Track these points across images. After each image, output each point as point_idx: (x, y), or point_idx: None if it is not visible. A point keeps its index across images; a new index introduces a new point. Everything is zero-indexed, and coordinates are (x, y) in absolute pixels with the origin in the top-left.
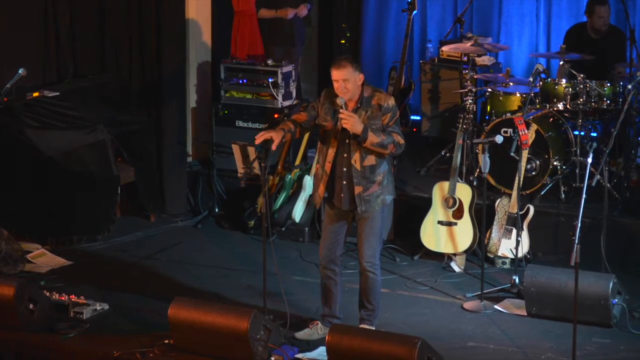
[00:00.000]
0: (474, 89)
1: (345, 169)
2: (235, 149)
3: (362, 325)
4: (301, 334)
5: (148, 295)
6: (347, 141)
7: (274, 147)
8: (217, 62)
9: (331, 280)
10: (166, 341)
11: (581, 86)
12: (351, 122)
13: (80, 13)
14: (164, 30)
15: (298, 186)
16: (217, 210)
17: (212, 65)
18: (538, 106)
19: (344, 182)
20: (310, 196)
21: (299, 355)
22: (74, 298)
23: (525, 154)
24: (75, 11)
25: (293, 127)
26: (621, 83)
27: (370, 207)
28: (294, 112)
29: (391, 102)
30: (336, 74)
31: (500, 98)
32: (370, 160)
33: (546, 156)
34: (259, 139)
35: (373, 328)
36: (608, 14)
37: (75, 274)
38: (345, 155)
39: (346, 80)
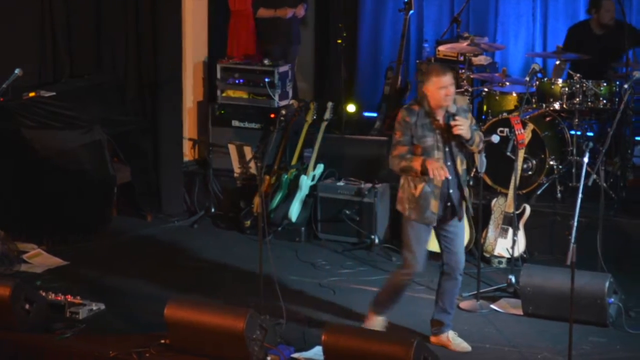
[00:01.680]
0: (470, 89)
1: (451, 177)
2: (232, 148)
3: (445, 333)
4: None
5: (144, 295)
6: (448, 150)
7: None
8: (214, 62)
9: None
10: (162, 341)
11: (577, 86)
12: (466, 127)
13: (77, 13)
14: (160, 30)
15: (294, 186)
16: (213, 210)
17: (209, 65)
18: (534, 106)
19: (451, 191)
20: (307, 196)
21: (295, 355)
22: (70, 298)
23: (521, 154)
24: (71, 11)
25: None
26: (617, 82)
27: (461, 209)
28: (394, 150)
29: (466, 101)
30: (445, 80)
31: (497, 98)
32: (464, 164)
33: (542, 156)
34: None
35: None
36: (614, 7)
37: (71, 274)
38: (449, 163)
39: (452, 84)
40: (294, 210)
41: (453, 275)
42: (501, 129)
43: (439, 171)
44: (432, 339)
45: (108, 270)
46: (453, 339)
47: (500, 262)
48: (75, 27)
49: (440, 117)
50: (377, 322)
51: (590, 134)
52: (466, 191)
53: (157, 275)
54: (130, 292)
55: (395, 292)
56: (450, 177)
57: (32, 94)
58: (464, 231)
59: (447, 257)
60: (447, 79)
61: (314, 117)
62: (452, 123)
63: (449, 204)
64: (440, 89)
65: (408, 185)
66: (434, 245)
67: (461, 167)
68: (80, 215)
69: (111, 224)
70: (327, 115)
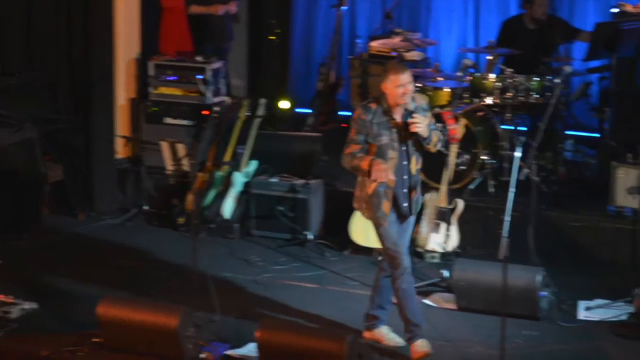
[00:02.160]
0: None
1: (405, 177)
2: (164, 146)
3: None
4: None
5: (77, 294)
6: (405, 149)
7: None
8: (146, 59)
9: (412, 284)
10: (95, 340)
11: (509, 80)
12: (424, 125)
13: (7, 10)
14: (92, 27)
15: (227, 183)
16: (146, 207)
17: (141, 62)
18: (467, 101)
19: (404, 190)
20: (241, 193)
21: (229, 352)
22: (2, 297)
23: (454, 149)
24: (1, 8)
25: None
26: (549, 77)
27: (416, 210)
28: (346, 148)
29: (426, 100)
30: (402, 78)
31: (430, 93)
32: (419, 163)
33: (475, 150)
34: (389, 177)
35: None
36: (547, 2)
37: (3, 273)
38: (405, 163)
39: (410, 82)
40: (227, 207)
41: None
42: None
43: (381, 174)
44: (366, 333)
45: (40, 270)
46: (387, 334)
47: (433, 257)
48: (5, 24)
49: (398, 115)
50: (423, 345)
51: (522, 128)
52: (416, 192)
53: (89, 274)
54: (63, 291)
55: (404, 299)
56: (394, 179)
57: None
58: (409, 230)
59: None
60: (405, 77)
61: (247, 113)
62: (410, 121)
63: (405, 204)
64: (398, 87)
65: (363, 183)
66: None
67: (416, 167)
68: (11, 214)
69: (43, 223)
70: (260, 111)
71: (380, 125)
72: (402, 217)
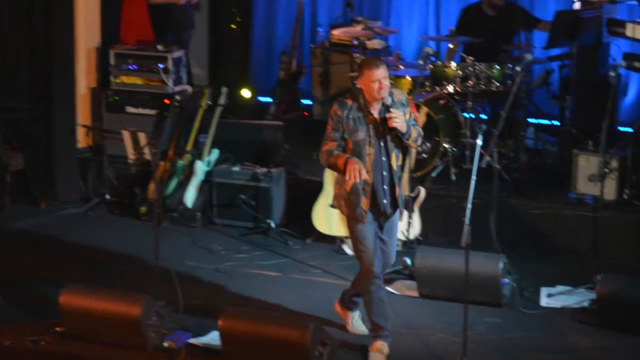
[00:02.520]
0: None
1: (385, 173)
2: (126, 135)
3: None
4: None
5: (39, 283)
6: (383, 144)
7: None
8: (107, 48)
9: (382, 290)
10: (58, 329)
11: (470, 69)
12: (402, 119)
13: None
14: (52, 16)
15: (190, 171)
16: (108, 197)
17: (102, 51)
18: (428, 89)
19: (385, 187)
20: (203, 181)
21: (192, 340)
22: None
23: None
24: None
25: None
26: (510, 65)
27: (400, 206)
28: (323, 145)
29: (405, 96)
30: (378, 74)
31: (391, 81)
32: (400, 159)
33: (437, 138)
34: (364, 174)
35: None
36: None
37: None
38: (384, 159)
39: (385, 77)
40: (190, 196)
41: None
42: None
43: (355, 173)
44: (337, 306)
45: (2, 259)
46: (355, 321)
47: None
48: None
49: (375, 111)
50: (383, 347)
51: (483, 116)
52: (398, 189)
53: (51, 264)
54: (24, 281)
55: (371, 303)
56: (367, 178)
57: None
58: (394, 231)
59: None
60: (380, 72)
61: (209, 102)
62: (387, 115)
63: (385, 201)
64: (374, 82)
65: (342, 181)
66: (325, 228)
67: (396, 162)
68: None
69: (4, 213)
70: (222, 100)
71: (357, 120)
72: (382, 215)
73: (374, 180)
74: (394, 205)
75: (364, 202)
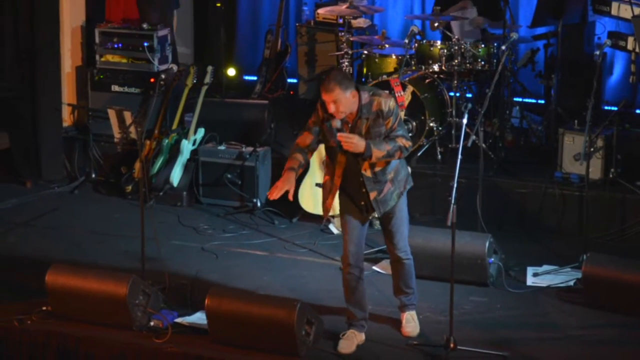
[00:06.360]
0: (350, 51)
1: (360, 179)
2: (112, 113)
3: (407, 312)
4: (343, 348)
5: (25, 262)
6: (352, 154)
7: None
8: (92, 27)
9: (360, 280)
10: (44, 308)
11: (456, 47)
12: (353, 145)
13: None
14: None
15: (175, 150)
16: (94, 175)
17: (87, 29)
18: (414, 68)
19: (363, 190)
20: (189, 160)
21: (179, 320)
22: None
23: (401, 116)
24: None
25: (302, 159)
26: (495, 44)
27: (388, 206)
28: (300, 134)
29: (392, 104)
30: (325, 97)
31: (376, 60)
32: (380, 164)
33: (422, 117)
34: (276, 195)
35: (415, 312)
36: None
37: None
38: (356, 166)
39: (336, 101)
40: (176, 175)
41: (399, 260)
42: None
43: (273, 189)
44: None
45: None
46: (408, 321)
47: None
48: None
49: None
50: (358, 337)
51: (469, 95)
52: (375, 194)
53: (37, 242)
54: (10, 259)
55: (345, 289)
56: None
57: None
58: (397, 218)
59: (388, 247)
60: (327, 96)
61: (194, 81)
62: (339, 138)
63: (362, 202)
64: (328, 103)
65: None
66: (311, 207)
67: (372, 169)
68: None
69: None
70: (207, 79)
71: (330, 127)
72: (362, 211)
73: (347, 185)
74: (376, 207)
75: (329, 202)
